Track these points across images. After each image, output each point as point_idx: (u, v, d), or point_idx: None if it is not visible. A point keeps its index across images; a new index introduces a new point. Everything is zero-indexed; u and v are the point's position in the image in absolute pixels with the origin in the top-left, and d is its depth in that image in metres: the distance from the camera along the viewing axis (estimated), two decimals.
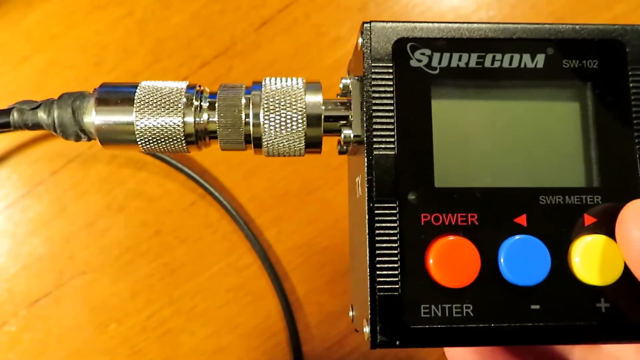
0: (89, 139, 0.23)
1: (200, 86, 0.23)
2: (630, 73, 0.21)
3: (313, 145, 0.22)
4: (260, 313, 0.40)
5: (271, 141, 0.22)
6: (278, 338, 0.40)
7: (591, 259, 0.20)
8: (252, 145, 0.22)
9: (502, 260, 0.20)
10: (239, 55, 0.42)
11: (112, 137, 0.22)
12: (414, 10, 0.42)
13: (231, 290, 0.40)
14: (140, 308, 0.40)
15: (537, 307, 0.20)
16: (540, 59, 0.21)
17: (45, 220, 0.41)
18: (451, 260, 0.20)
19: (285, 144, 0.22)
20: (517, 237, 0.20)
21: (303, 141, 0.22)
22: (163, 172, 0.41)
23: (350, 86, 0.22)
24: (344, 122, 0.22)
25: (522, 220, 0.20)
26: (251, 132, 0.22)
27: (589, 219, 0.21)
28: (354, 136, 0.21)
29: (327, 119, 0.22)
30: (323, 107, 0.22)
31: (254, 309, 0.40)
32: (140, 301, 0.40)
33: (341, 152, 0.23)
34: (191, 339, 0.40)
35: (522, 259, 0.20)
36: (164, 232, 0.41)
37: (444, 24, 0.21)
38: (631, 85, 0.21)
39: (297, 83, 0.22)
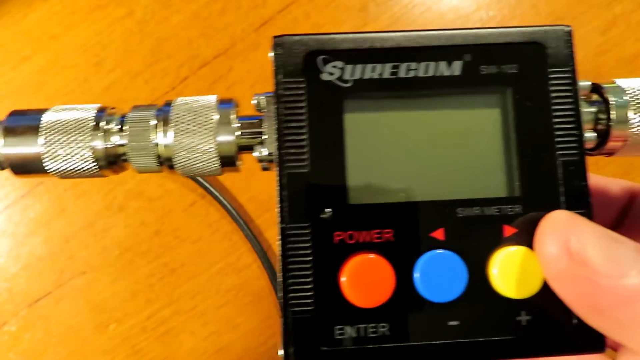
0: (2, 168, 0.22)
1: (112, 108, 0.22)
2: (550, 76, 0.20)
3: (229, 164, 0.21)
4: (260, 313, 0.40)
5: (184, 162, 0.21)
6: (278, 338, 0.40)
7: (510, 271, 0.19)
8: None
9: (417, 276, 0.19)
10: (239, 55, 0.42)
11: (23, 168, 0.21)
12: (414, 10, 0.42)
13: (231, 290, 0.40)
14: (140, 308, 0.40)
15: (456, 323, 0.19)
16: (457, 66, 0.20)
17: (46, 220, 0.41)
18: (364, 279, 0.19)
19: (199, 164, 0.21)
20: (432, 252, 0.19)
21: (218, 161, 0.21)
22: (163, 172, 0.41)
23: (263, 102, 0.21)
24: (259, 139, 0.21)
25: (439, 234, 0.20)
26: (163, 153, 0.21)
27: (508, 230, 0.20)
28: (268, 154, 0.21)
29: (241, 136, 0.21)
30: (236, 125, 0.21)
31: (254, 309, 0.40)
32: (140, 301, 0.40)
33: (265, 169, 0.22)
34: (191, 338, 0.40)
35: (438, 275, 0.19)
36: (164, 232, 0.41)
37: (355, 35, 0.21)
38: (551, 89, 0.20)
39: (209, 101, 0.21)
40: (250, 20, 0.42)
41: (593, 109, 0.21)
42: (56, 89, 0.42)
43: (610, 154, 0.22)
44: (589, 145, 0.21)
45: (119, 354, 0.39)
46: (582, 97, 0.21)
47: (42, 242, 0.40)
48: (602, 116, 0.21)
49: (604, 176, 0.28)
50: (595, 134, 0.21)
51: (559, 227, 0.18)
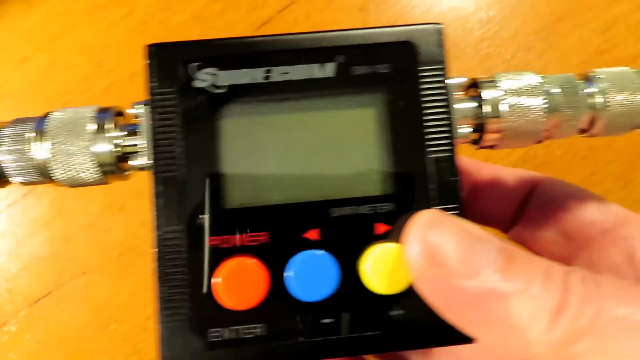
0: None
1: None
2: (421, 75, 0.21)
3: (112, 172, 0.21)
4: None
5: (65, 174, 0.21)
6: None
7: (381, 268, 0.19)
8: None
9: (288, 277, 0.20)
10: None
11: None
12: (414, 11, 0.42)
13: None
14: (141, 308, 0.40)
15: (330, 320, 0.20)
16: (330, 68, 0.21)
17: (46, 221, 0.41)
18: (237, 282, 0.19)
19: (81, 175, 0.21)
20: (303, 253, 0.20)
21: (98, 171, 0.21)
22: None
23: (140, 111, 0.21)
24: (136, 148, 0.21)
25: (313, 234, 0.20)
26: (42, 166, 0.21)
27: (381, 228, 0.20)
28: (145, 163, 0.21)
29: (120, 146, 0.21)
30: (114, 135, 0.21)
31: None
32: (140, 301, 0.40)
33: None
34: None
35: (309, 275, 0.20)
36: None
37: (229, 41, 0.21)
38: (422, 87, 0.21)
39: (86, 111, 0.21)
40: (250, 20, 0.43)
41: (472, 104, 0.21)
42: (56, 89, 0.42)
43: (492, 146, 0.22)
44: (471, 138, 0.22)
45: (120, 354, 0.39)
46: (461, 93, 0.21)
47: (42, 242, 0.40)
48: (479, 111, 0.21)
49: (506, 167, 0.28)
50: (471, 129, 0.21)
51: (420, 227, 0.18)
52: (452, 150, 0.20)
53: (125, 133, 0.21)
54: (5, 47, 0.43)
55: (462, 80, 0.21)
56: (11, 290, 0.40)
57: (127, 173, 0.22)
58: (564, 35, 0.41)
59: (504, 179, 0.27)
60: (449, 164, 0.20)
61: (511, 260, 0.17)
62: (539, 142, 0.22)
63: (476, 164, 0.28)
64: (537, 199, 0.26)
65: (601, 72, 0.22)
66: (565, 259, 0.26)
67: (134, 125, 0.21)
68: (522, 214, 0.27)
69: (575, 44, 0.41)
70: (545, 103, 0.21)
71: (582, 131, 0.22)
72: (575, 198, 0.26)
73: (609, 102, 0.21)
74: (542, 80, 0.21)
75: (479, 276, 0.17)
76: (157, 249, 0.20)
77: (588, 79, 0.22)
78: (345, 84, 0.21)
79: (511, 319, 0.17)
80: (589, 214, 0.25)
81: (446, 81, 0.21)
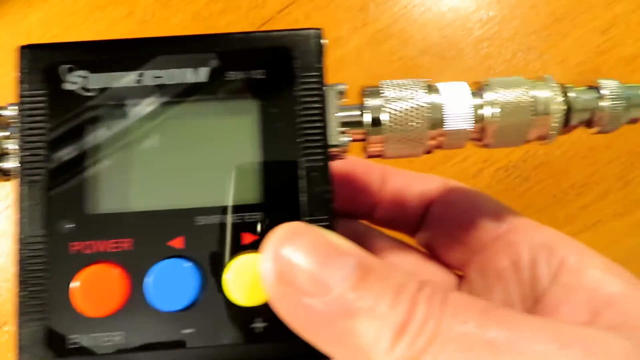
0: None
1: None
2: (297, 81, 0.20)
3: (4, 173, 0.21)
4: None
5: None
6: None
7: (242, 279, 0.19)
8: None
9: (147, 285, 0.19)
10: None
11: None
12: (414, 10, 0.42)
13: None
14: None
15: (191, 330, 0.19)
16: (203, 73, 0.20)
17: None
18: (95, 289, 0.19)
19: None
20: (164, 261, 0.19)
21: None
22: None
23: (12, 113, 0.20)
24: (6, 150, 0.20)
25: (178, 242, 0.20)
26: None
27: (248, 237, 0.20)
28: (14, 166, 0.20)
29: None
30: None
31: None
32: None
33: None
34: None
35: (169, 284, 0.19)
36: None
37: (102, 43, 0.20)
38: (298, 94, 0.20)
39: None
40: (250, 20, 0.43)
41: (353, 113, 0.21)
42: None
43: (378, 155, 0.21)
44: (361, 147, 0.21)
45: None
46: (344, 101, 0.21)
47: None
48: (361, 119, 0.21)
49: (414, 173, 0.28)
50: (350, 138, 0.20)
51: (276, 241, 0.18)
52: (325, 160, 0.20)
53: (8, 134, 0.20)
54: (5, 47, 0.43)
55: (342, 87, 0.21)
56: (11, 290, 0.40)
57: (10, 175, 0.21)
58: (564, 35, 0.41)
59: (409, 188, 0.27)
60: (322, 173, 0.20)
61: (366, 275, 0.17)
62: (429, 152, 0.21)
63: (383, 171, 0.28)
64: (437, 206, 0.26)
65: (495, 82, 0.21)
66: (462, 265, 0.26)
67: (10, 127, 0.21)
68: (424, 219, 0.27)
69: (575, 44, 0.41)
70: (426, 116, 0.20)
71: (475, 140, 0.21)
72: (472, 204, 0.26)
73: (496, 114, 0.21)
74: (428, 91, 0.21)
75: (330, 293, 0.16)
76: (19, 253, 0.19)
77: (480, 89, 0.21)
78: (218, 90, 0.20)
79: (357, 339, 0.16)
80: (484, 221, 0.25)
81: (323, 88, 0.20)
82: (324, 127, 0.20)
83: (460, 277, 0.27)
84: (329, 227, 0.19)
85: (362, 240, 0.27)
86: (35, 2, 0.43)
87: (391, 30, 0.42)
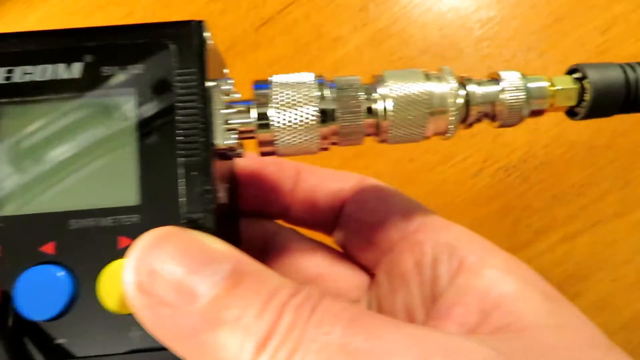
0: None
1: None
2: (176, 77, 0.19)
3: None
4: None
5: None
6: None
7: (115, 285, 0.18)
8: None
9: (16, 293, 0.18)
10: (239, 55, 0.42)
11: None
12: (414, 10, 0.42)
13: None
14: None
15: (64, 340, 0.18)
16: (77, 68, 0.19)
17: None
18: None
19: None
20: (33, 268, 0.18)
21: None
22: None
23: None
24: None
25: (49, 248, 0.18)
26: None
27: (124, 241, 0.18)
28: None
29: None
30: None
31: None
32: None
33: None
34: None
35: (37, 291, 0.18)
36: None
37: None
38: (178, 90, 0.19)
39: None
40: (250, 20, 0.42)
41: (241, 111, 0.20)
42: None
43: (270, 153, 0.20)
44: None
45: None
46: (236, 96, 0.20)
47: None
48: (250, 118, 0.20)
49: (331, 171, 0.27)
50: (234, 138, 0.19)
51: (140, 249, 0.16)
52: (205, 159, 0.19)
53: None
54: None
55: (229, 82, 0.20)
56: None
57: None
58: (564, 35, 0.41)
59: (323, 186, 0.26)
60: (202, 173, 0.18)
61: (238, 282, 0.16)
62: (325, 149, 0.20)
63: (297, 169, 0.27)
64: (350, 205, 0.26)
65: (389, 74, 0.20)
66: (374, 266, 0.25)
67: None
68: (338, 219, 0.26)
69: (575, 43, 0.41)
70: (315, 111, 0.19)
71: (373, 135, 0.21)
72: (383, 203, 0.25)
73: (390, 109, 0.20)
74: (317, 86, 0.20)
75: (195, 304, 0.15)
76: None
77: (375, 82, 0.20)
78: (93, 86, 0.19)
79: (221, 352, 0.15)
80: (394, 220, 0.24)
81: (207, 84, 0.19)
82: (206, 125, 0.19)
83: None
84: (211, 230, 0.18)
85: (271, 240, 0.26)
86: (35, 2, 0.43)
87: (391, 30, 0.42)
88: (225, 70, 0.24)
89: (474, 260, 0.21)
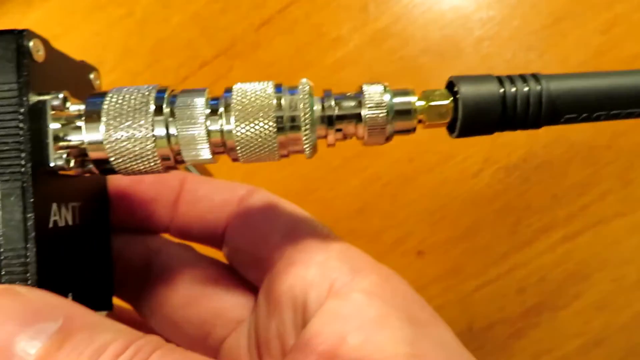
0: None
1: None
2: None
3: None
4: None
5: None
6: None
7: None
8: None
9: None
10: (239, 56, 0.42)
11: None
12: (414, 10, 0.42)
13: None
14: None
15: None
16: None
17: None
18: None
19: None
20: None
21: None
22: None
23: None
24: None
25: None
26: None
27: None
28: None
29: None
30: None
31: None
32: None
33: None
34: None
35: None
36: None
37: None
38: None
39: None
40: (250, 20, 0.42)
41: (71, 129, 0.18)
42: None
43: (111, 172, 0.18)
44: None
45: None
46: (70, 112, 0.18)
47: None
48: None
49: (221, 180, 0.26)
50: (64, 157, 0.18)
51: None
52: (27, 183, 0.16)
53: None
54: None
55: (58, 97, 0.18)
56: None
57: None
58: (564, 35, 0.41)
59: (209, 198, 0.25)
60: (19, 200, 0.16)
61: (65, 340, 0.15)
62: (172, 168, 0.19)
63: (182, 180, 0.25)
64: (235, 219, 0.24)
65: (237, 87, 0.18)
66: (259, 284, 0.24)
67: None
68: (225, 233, 0.24)
69: (575, 44, 0.41)
70: (151, 127, 0.17)
71: (222, 153, 0.19)
72: (268, 218, 0.23)
73: (234, 130, 0.18)
74: (154, 101, 0.18)
75: None
76: None
77: (221, 99, 0.18)
78: None
79: None
80: (275, 237, 0.22)
81: (34, 99, 0.17)
82: (24, 145, 0.17)
83: None
84: (33, 266, 0.16)
85: (155, 257, 0.25)
86: (35, 2, 0.43)
87: (391, 30, 0.42)
88: (91, 76, 0.22)
89: (344, 283, 0.20)
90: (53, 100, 0.18)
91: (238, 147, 0.18)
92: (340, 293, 0.20)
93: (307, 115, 0.18)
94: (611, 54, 0.41)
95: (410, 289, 0.21)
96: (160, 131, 0.17)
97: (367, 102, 0.18)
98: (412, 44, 0.42)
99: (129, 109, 0.17)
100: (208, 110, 0.18)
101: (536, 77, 0.18)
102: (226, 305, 0.24)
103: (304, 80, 0.18)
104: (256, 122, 0.17)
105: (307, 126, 0.18)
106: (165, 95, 0.18)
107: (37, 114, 0.17)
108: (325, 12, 0.42)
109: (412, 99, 0.18)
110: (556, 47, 0.41)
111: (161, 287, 0.22)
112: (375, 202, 0.41)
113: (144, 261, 0.25)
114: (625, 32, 0.41)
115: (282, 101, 0.18)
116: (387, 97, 0.18)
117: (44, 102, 0.17)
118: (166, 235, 0.26)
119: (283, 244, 0.22)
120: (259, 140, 0.18)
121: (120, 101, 0.17)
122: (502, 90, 0.18)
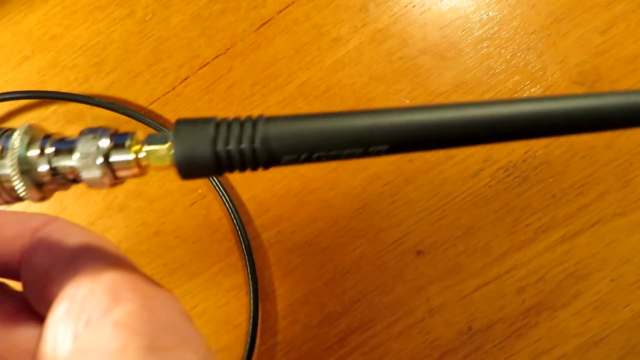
0: None
1: None
2: None
3: None
4: (260, 313, 0.40)
5: None
6: (278, 338, 0.40)
7: None
8: None
9: None
10: (239, 56, 0.42)
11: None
12: (414, 10, 0.42)
13: (231, 290, 0.40)
14: None
15: None
16: None
17: None
18: None
19: None
20: None
21: None
22: (163, 172, 0.41)
23: None
24: None
25: None
26: None
27: None
28: None
29: None
30: None
31: None
32: None
33: None
34: None
35: None
36: (164, 232, 0.41)
37: None
38: None
39: None
40: (250, 20, 0.43)
41: None
42: (56, 89, 0.42)
43: None
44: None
45: None
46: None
47: None
48: None
49: (15, 211, 0.24)
50: None
51: None
52: None
53: None
54: (5, 46, 0.43)
55: None
56: None
57: None
58: (564, 35, 0.41)
59: (2, 229, 0.24)
60: None
61: None
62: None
63: None
64: (24, 253, 0.23)
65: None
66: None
67: None
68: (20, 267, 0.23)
69: (575, 44, 0.41)
70: None
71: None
72: (52, 251, 0.22)
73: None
74: None
75: None
76: None
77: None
78: None
79: None
80: (54, 272, 0.22)
81: None
82: None
83: None
84: None
85: None
86: (35, 2, 0.43)
87: (391, 30, 0.42)
88: None
89: (99, 316, 0.19)
90: None
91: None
92: (94, 326, 0.19)
93: (13, 165, 0.18)
94: (611, 54, 0.41)
95: (173, 310, 0.20)
96: None
97: (76, 155, 0.18)
98: (411, 44, 0.42)
99: None
100: None
101: (254, 121, 0.18)
102: (20, 339, 0.23)
103: (24, 126, 0.19)
104: None
105: (16, 175, 0.18)
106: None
107: None
108: (325, 12, 0.42)
109: (125, 149, 0.18)
110: (556, 47, 0.41)
111: None
112: (375, 202, 0.41)
113: None
114: (624, 32, 0.41)
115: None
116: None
117: None
118: None
119: (62, 277, 0.21)
120: None
121: None
122: (213, 134, 0.18)
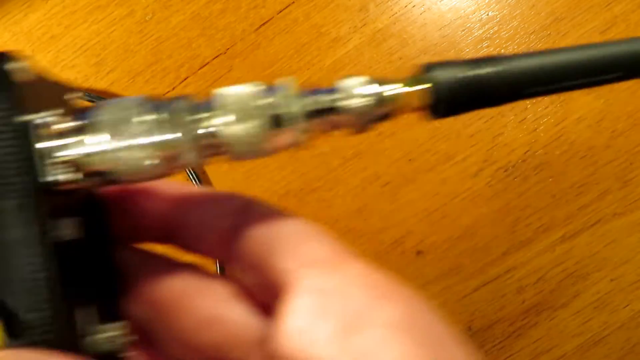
0: None
1: None
2: None
3: None
4: None
5: None
6: None
7: None
8: None
9: None
10: (239, 56, 0.42)
11: None
12: (414, 10, 0.42)
13: None
14: None
15: None
16: None
17: None
18: None
19: None
20: None
21: None
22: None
23: None
24: None
25: None
26: None
27: None
28: None
29: None
30: None
31: None
32: None
33: None
34: None
35: None
36: None
37: None
38: None
39: None
40: (250, 20, 0.43)
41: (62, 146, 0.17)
42: None
43: (112, 182, 0.18)
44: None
45: None
46: (58, 128, 0.18)
47: None
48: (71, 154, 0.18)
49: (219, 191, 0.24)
50: (63, 171, 0.17)
51: None
52: (26, 199, 0.16)
53: None
54: (5, 47, 0.43)
55: (45, 116, 0.17)
56: None
57: None
58: (564, 35, 0.41)
59: (209, 209, 0.23)
60: (20, 219, 0.15)
61: None
62: (169, 174, 0.19)
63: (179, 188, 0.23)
64: (240, 238, 0.21)
65: (220, 93, 0.18)
66: (267, 308, 0.20)
67: None
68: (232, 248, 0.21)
69: (575, 43, 0.41)
70: (150, 135, 0.17)
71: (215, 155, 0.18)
72: (274, 230, 0.20)
73: (219, 130, 0.18)
74: (149, 110, 0.18)
75: None
76: None
77: (208, 101, 0.18)
78: None
79: None
80: (285, 251, 0.19)
81: (16, 119, 0.16)
82: (21, 165, 0.16)
83: None
84: (58, 309, 0.15)
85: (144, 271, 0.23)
86: (35, 2, 0.43)
87: (391, 30, 0.42)
88: (66, 97, 0.22)
89: (362, 314, 0.17)
90: (42, 118, 0.17)
91: (229, 147, 0.18)
92: (357, 327, 0.16)
93: (293, 111, 0.18)
94: None
95: (439, 318, 0.17)
96: (159, 138, 0.17)
97: (346, 94, 0.19)
98: (411, 44, 0.42)
99: (124, 119, 0.17)
100: (203, 114, 0.18)
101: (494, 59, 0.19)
102: (241, 327, 0.21)
103: (288, 78, 0.19)
104: (245, 121, 0.18)
105: (291, 121, 0.18)
106: (157, 103, 0.18)
107: (24, 134, 0.16)
108: (325, 12, 0.42)
109: (394, 86, 0.20)
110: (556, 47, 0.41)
111: (171, 309, 0.20)
112: (374, 202, 0.41)
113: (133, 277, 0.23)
114: (624, 32, 0.41)
115: (269, 99, 0.18)
116: (370, 88, 0.19)
117: (30, 122, 0.17)
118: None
119: (289, 264, 0.19)
120: (249, 138, 0.18)
121: (114, 112, 0.17)
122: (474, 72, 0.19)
